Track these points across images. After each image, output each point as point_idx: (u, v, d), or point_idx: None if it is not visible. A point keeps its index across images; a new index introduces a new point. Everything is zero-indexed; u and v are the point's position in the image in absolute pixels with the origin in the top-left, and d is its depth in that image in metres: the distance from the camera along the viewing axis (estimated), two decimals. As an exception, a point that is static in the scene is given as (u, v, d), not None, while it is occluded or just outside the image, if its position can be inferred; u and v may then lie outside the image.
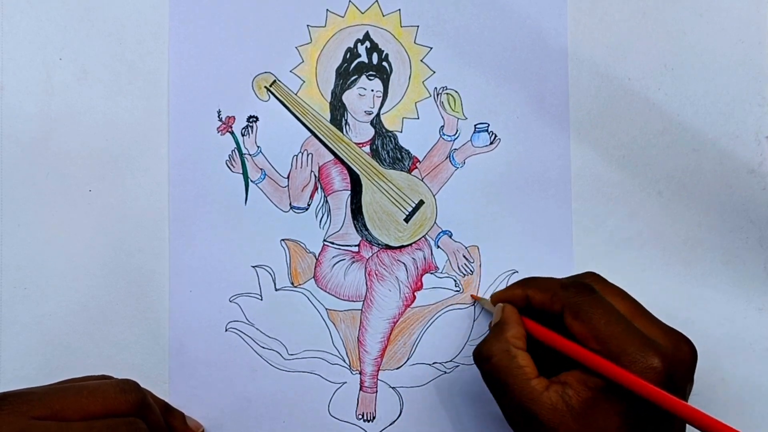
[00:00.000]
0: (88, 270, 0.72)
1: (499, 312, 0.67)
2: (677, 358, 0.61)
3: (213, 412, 0.71)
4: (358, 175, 0.73)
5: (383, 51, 0.74)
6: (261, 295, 0.72)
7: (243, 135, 0.73)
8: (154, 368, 0.71)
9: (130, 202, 0.72)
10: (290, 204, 0.73)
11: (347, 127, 0.73)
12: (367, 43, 0.74)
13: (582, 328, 0.62)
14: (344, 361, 0.73)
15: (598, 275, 0.68)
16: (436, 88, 0.73)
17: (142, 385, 0.64)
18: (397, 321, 0.73)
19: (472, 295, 0.73)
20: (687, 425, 0.62)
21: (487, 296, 0.72)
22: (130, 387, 0.60)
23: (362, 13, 0.74)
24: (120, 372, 0.70)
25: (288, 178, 0.73)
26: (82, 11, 0.73)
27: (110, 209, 0.72)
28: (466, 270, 0.73)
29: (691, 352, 0.62)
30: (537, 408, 0.61)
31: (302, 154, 0.73)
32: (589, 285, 0.65)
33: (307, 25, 0.73)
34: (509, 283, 0.72)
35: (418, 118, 0.73)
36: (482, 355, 0.65)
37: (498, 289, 0.72)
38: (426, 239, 0.73)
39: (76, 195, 0.72)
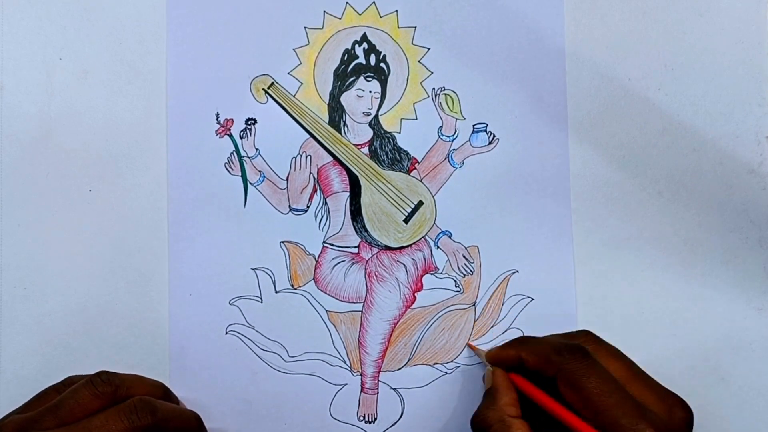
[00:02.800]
0: (88, 270, 0.72)
1: (490, 378, 0.67)
2: (671, 427, 0.61)
3: (214, 415, 0.71)
4: (357, 177, 0.73)
5: (381, 52, 0.73)
6: (261, 298, 0.72)
7: (241, 137, 0.73)
8: (154, 368, 0.71)
9: (130, 203, 0.72)
10: (289, 206, 0.73)
11: (345, 128, 0.73)
12: (365, 45, 0.73)
13: (575, 397, 0.62)
14: (345, 362, 0.73)
15: (593, 334, 0.68)
16: (434, 88, 0.73)
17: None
18: (397, 322, 0.73)
19: (468, 344, 0.73)
20: None
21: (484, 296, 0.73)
22: (140, 411, 0.62)
23: (359, 15, 0.74)
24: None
25: (287, 180, 0.73)
26: (82, 11, 0.73)
27: (110, 209, 0.72)
28: (466, 270, 0.73)
29: (687, 417, 0.62)
30: None
31: (301, 155, 0.73)
32: (582, 348, 0.64)
33: (305, 27, 0.73)
34: (508, 287, 0.72)
35: (417, 119, 0.73)
36: (479, 426, 0.65)
37: (494, 346, 0.72)
38: (426, 240, 0.73)
39: (76, 195, 0.72)
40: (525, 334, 0.72)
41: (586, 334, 0.68)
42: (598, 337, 0.68)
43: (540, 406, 0.64)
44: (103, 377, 0.64)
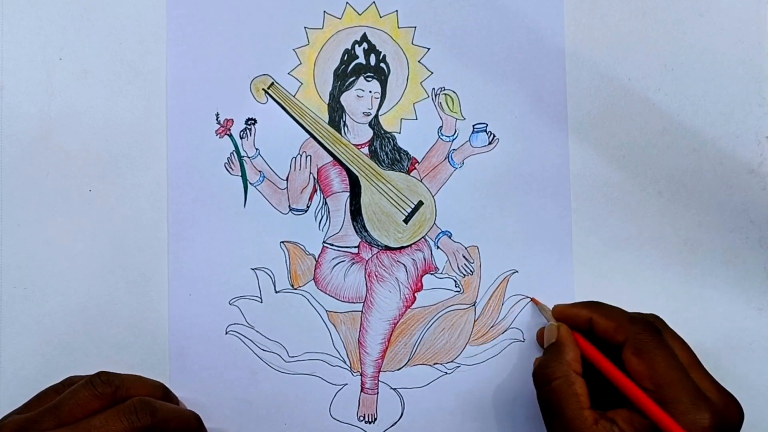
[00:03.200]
0: (88, 270, 0.72)
1: (555, 332, 0.67)
2: (726, 418, 0.62)
3: (214, 415, 0.71)
4: (356, 177, 0.73)
5: (381, 52, 0.73)
6: (261, 298, 0.72)
7: (241, 137, 0.73)
8: (154, 369, 0.71)
9: (130, 203, 0.72)
10: (289, 206, 0.73)
11: (345, 128, 0.73)
12: (365, 45, 0.73)
13: (641, 366, 0.62)
14: (345, 362, 0.73)
15: (662, 319, 0.68)
16: (434, 88, 0.73)
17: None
18: (397, 322, 0.73)
19: (533, 299, 0.73)
20: None
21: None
22: (140, 411, 0.62)
23: (359, 15, 0.74)
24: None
25: (287, 180, 0.73)
26: (82, 11, 0.73)
27: (110, 209, 0.72)
28: (466, 270, 0.73)
29: (740, 415, 0.63)
30: None
31: (301, 156, 0.73)
32: (655, 324, 0.65)
33: (305, 27, 0.73)
34: (507, 287, 0.72)
35: (417, 119, 0.73)
36: (544, 378, 0.65)
37: (561, 303, 0.72)
38: (425, 240, 0.73)
39: (76, 195, 0.72)
40: (525, 335, 0.72)
41: (656, 317, 0.68)
42: (666, 323, 0.68)
43: (600, 370, 0.64)
44: (103, 378, 0.64)
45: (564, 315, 0.69)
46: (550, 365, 0.65)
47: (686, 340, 0.68)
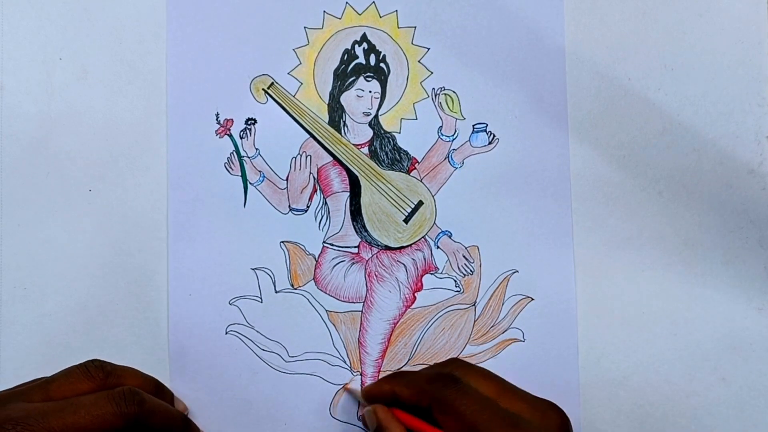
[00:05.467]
0: (88, 270, 0.72)
1: (373, 417, 0.67)
2: (545, 426, 0.62)
3: (214, 415, 0.71)
4: (356, 177, 0.73)
5: (381, 52, 0.73)
6: (261, 298, 0.72)
7: (241, 137, 0.73)
8: (153, 368, 0.71)
9: (130, 203, 0.72)
10: (289, 206, 0.73)
11: (345, 128, 0.73)
12: (365, 45, 0.73)
13: (451, 422, 0.62)
14: (345, 362, 0.73)
15: (460, 360, 0.70)
16: (434, 88, 0.73)
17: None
18: (397, 322, 0.73)
19: (345, 387, 0.73)
20: None
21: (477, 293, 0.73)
22: (128, 399, 0.62)
23: (359, 15, 0.74)
24: (120, 373, 0.70)
25: (287, 180, 0.73)
26: (82, 11, 0.73)
27: (110, 209, 0.72)
28: (466, 270, 0.73)
29: (560, 419, 0.63)
30: None
31: (301, 155, 0.73)
32: (452, 375, 0.65)
33: (304, 27, 0.73)
34: (508, 287, 0.72)
35: (417, 119, 0.73)
36: None
37: (369, 383, 0.73)
38: (426, 240, 0.73)
39: (76, 195, 0.72)
40: (525, 335, 0.72)
41: (453, 362, 0.69)
42: (466, 362, 0.69)
43: None
44: (96, 363, 0.65)
45: (372, 395, 0.69)
46: None
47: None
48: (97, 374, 0.64)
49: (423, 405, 0.64)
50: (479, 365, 0.69)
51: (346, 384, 0.73)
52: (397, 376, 0.69)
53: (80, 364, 0.65)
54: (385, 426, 0.66)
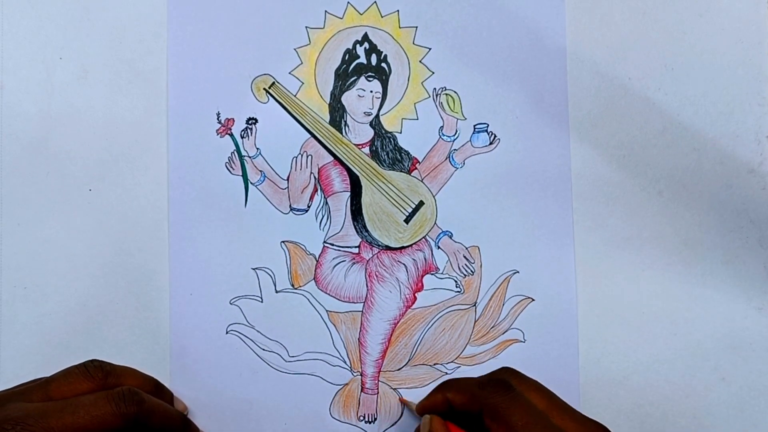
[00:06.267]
0: (88, 270, 0.72)
1: (427, 425, 0.67)
2: None
3: (214, 414, 0.71)
4: (357, 177, 0.73)
5: (382, 52, 0.74)
6: (261, 298, 0.72)
7: (242, 137, 0.73)
8: (154, 368, 0.71)
9: (130, 202, 0.72)
10: (290, 206, 0.73)
11: (346, 128, 0.73)
12: (366, 45, 0.73)
13: (501, 429, 0.62)
14: (345, 362, 0.73)
15: (513, 369, 0.69)
16: (435, 88, 0.73)
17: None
18: (397, 322, 0.73)
19: (400, 399, 0.73)
20: None
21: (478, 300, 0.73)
22: (127, 399, 0.62)
23: (361, 14, 0.74)
24: (120, 373, 0.70)
25: (287, 179, 0.73)
26: (82, 11, 0.73)
27: (110, 209, 0.72)
28: (466, 270, 0.73)
29: None
30: None
31: (302, 155, 0.73)
32: (506, 382, 0.65)
33: (306, 27, 0.73)
34: (508, 287, 0.72)
35: (418, 119, 0.73)
36: None
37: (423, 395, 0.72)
38: (426, 240, 0.73)
39: (76, 195, 0.72)
40: (525, 336, 0.73)
41: (506, 370, 0.69)
42: (518, 372, 0.68)
43: None
44: (95, 363, 0.66)
45: (426, 408, 0.70)
46: None
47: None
48: (96, 374, 0.65)
49: (474, 410, 0.64)
50: (529, 376, 0.68)
51: (401, 397, 0.73)
52: (448, 383, 0.69)
53: (80, 364, 0.65)
54: None
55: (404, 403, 0.73)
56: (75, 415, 0.60)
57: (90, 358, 0.68)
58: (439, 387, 0.70)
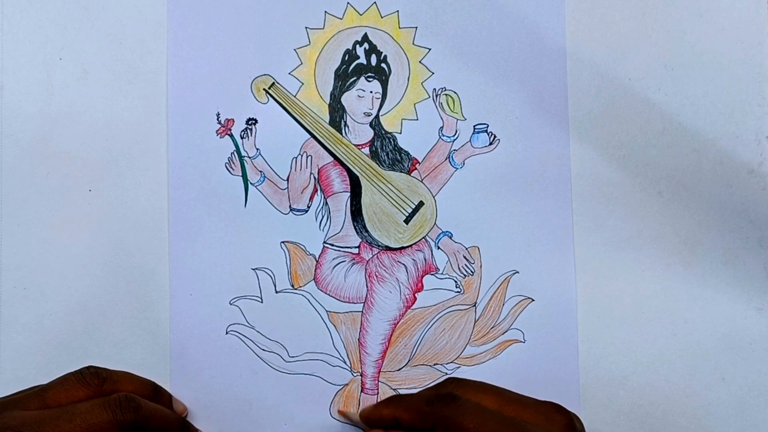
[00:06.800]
0: (88, 270, 0.72)
1: None
2: (551, 428, 0.62)
3: (214, 415, 0.71)
4: (357, 177, 0.73)
5: (382, 52, 0.73)
6: (261, 298, 0.72)
7: (242, 137, 0.73)
8: (154, 368, 0.71)
9: (130, 202, 0.72)
10: (290, 206, 0.73)
11: (346, 128, 0.73)
12: (366, 45, 0.73)
13: None
14: (345, 363, 0.73)
15: (457, 378, 0.68)
16: (435, 89, 0.73)
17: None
18: (397, 322, 0.73)
19: (339, 411, 0.73)
20: None
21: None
22: (124, 406, 0.62)
23: (360, 15, 0.74)
24: (120, 373, 0.70)
25: (287, 180, 0.73)
26: (82, 11, 0.73)
27: (110, 209, 0.72)
28: (466, 271, 0.73)
29: (566, 419, 0.63)
30: None
31: (301, 156, 0.73)
32: (450, 393, 0.64)
33: (306, 27, 0.73)
34: (508, 287, 0.72)
35: (417, 119, 0.73)
36: None
37: (367, 405, 0.72)
38: (426, 240, 0.73)
39: (76, 195, 0.72)
40: (525, 336, 0.72)
41: (449, 381, 0.68)
42: (462, 379, 0.68)
43: None
44: (92, 369, 0.66)
45: (370, 420, 0.69)
46: None
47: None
48: (92, 381, 0.65)
49: (426, 427, 0.63)
50: (475, 379, 0.68)
51: (340, 409, 0.73)
52: (395, 399, 0.68)
53: (76, 371, 0.65)
54: None
55: (342, 414, 0.72)
56: (71, 423, 0.60)
57: (90, 358, 0.68)
58: (386, 401, 0.68)
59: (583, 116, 0.73)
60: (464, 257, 0.73)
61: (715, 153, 0.73)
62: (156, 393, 0.69)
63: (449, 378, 0.70)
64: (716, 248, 0.73)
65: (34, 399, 0.63)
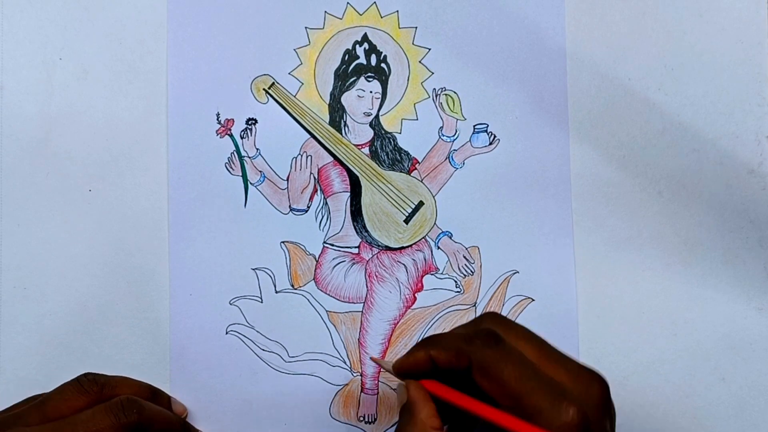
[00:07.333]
0: (88, 270, 0.72)
1: (404, 392, 0.62)
2: (590, 402, 0.58)
3: (214, 415, 0.71)
4: (357, 177, 0.73)
5: (381, 52, 0.73)
6: (261, 298, 0.72)
7: (242, 137, 0.73)
8: (154, 368, 0.71)
9: (130, 202, 0.72)
10: (290, 206, 0.73)
11: (346, 128, 0.73)
12: (366, 45, 0.73)
13: (492, 385, 0.58)
14: (345, 363, 0.73)
15: (499, 316, 0.63)
16: (434, 89, 0.73)
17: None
18: (397, 322, 0.73)
19: (372, 358, 0.72)
20: None
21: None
22: (126, 408, 0.62)
23: (360, 15, 0.74)
24: (120, 373, 0.70)
25: (287, 180, 0.73)
26: (82, 11, 0.73)
27: (110, 209, 0.72)
28: (466, 271, 0.73)
29: (603, 391, 0.60)
30: None
31: (301, 156, 0.73)
32: (494, 333, 0.60)
33: (306, 27, 0.73)
34: (508, 287, 0.72)
35: (417, 119, 0.73)
36: None
37: (402, 352, 0.69)
38: (426, 240, 0.73)
39: (76, 195, 0.72)
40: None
41: (492, 317, 0.63)
42: (505, 318, 0.63)
43: (461, 408, 0.60)
44: (89, 377, 0.66)
45: (404, 367, 0.63)
46: (405, 429, 0.61)
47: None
48: (90, 388, 0.64)
49: (462, 367, 0.60)
50: (516, 322, 0.64)
51: (372, 356, 0.73)
52: (431, 340, 0.63)
53: (73, 380, 0.65)
54: (413, 402, 0.61)
55: (376, 362, 0.72)
56: None
57: (90, 358, 0.69)
58: (421, 343, 0.63)
59: (583, 116, 0.73)
60: (464, 257, 0.73)
61: (715, 153, 0.73)
62: (154, 395, 0.69)
63: (490, 312, 0.64)
64: (716, 248, 0.73)
65: (35, 413, 0.62)
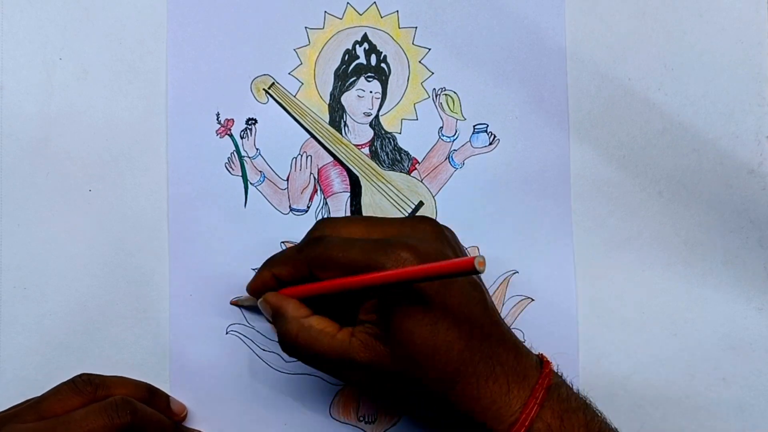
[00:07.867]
0: (88, 270, 0.72)
1: (265, 305, 0.66)
2: (420, 237, 0.62)
3: (214, 415, 0.71)
4: (357, 177, 0.73)
5: (381, 52, 0.73)
6: (261, 298, 0.72)
7: (242, 137, 0.73)
8: (153, 368, 0.71)
9: (130, 203, 0.72)
10: (290, 206, 0.73)
11: (346, 128, 0.73)
12: (366, 45, 0.73)
13: (332, 274, 0.61)
14: (345, 362, 0.73)
15: (327, 218, 0.70)
16: (434, 89, 0.73)
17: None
18: (397, 322, 0.73)
19: (232, 302, 0.72)
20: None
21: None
22: (120, 409, 0.63)
23: (360, 15, 0.74)
24: (120, 373, 0.70)
25: (287, 180, 0.73)
26: (82, 11, 0.73)
27: (110, 209, 0.72)
28: (466, 270, 0.73)
29: (432, 226, 0.64)
30: (352, 355, 0.61)
31: (301, 156, 0.73)
32: (316, 237, 0.64)
33: (305, 27, 0.73)
34: (508, 287, 0.72)
35: (417, 119, 0.73)
36: (288, 344, 0.64)
37: None
38: (426, 240, 0.73)
39: (76, 195, 0.72)
40: (525, 336, 0.72)
41: (320, 222, 0.67)
42: (331, 218, 0.69)
43: (322, 293, 0.63)
44: (84, 377, 0.66)
45: (256, 289, 0.68)
46: (282, 330, 0.64)
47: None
48: (85, 388, 0.65)
49: (305, 274, 0.64)
50: (342, 216, 0.70)
51: (233, 300, 0.72)
52: (271, 260, 0.68)
53: (68, 381, 0.66)
54: (278, 306, 0.65)
55: (236, 305, 0.72)
56: None
57: (90, 358, 0.69)
58: (263, 265, 0.68)
59: (583, 116, 0.73)
60: (464, 257, 0.73)
61: (715, 153, 0.73)
62: (152, 395, 0.69)
63: (319, 221, 0.69)
64: (716, 248, 0.73)
65: (30, 412, 0.63)
